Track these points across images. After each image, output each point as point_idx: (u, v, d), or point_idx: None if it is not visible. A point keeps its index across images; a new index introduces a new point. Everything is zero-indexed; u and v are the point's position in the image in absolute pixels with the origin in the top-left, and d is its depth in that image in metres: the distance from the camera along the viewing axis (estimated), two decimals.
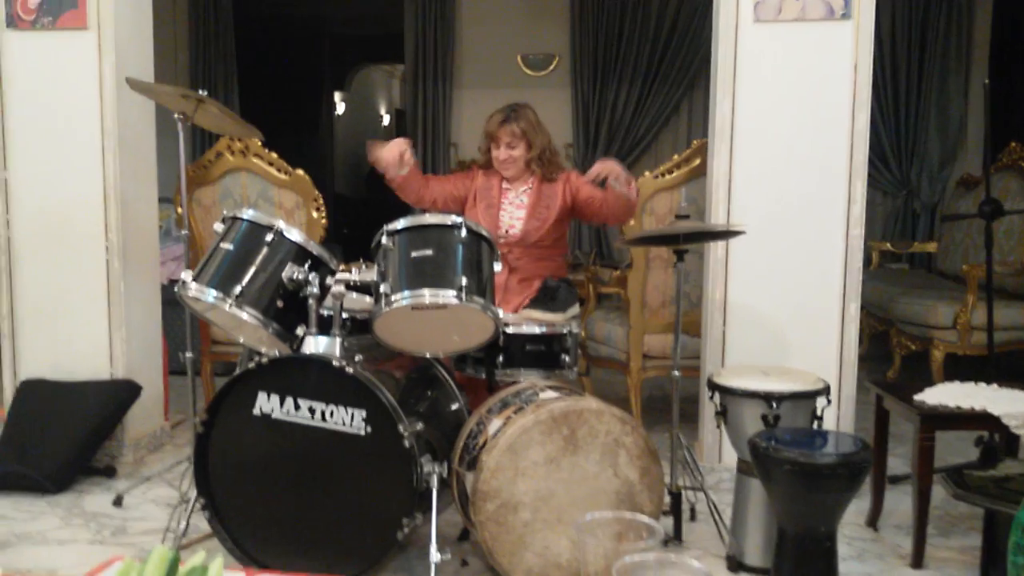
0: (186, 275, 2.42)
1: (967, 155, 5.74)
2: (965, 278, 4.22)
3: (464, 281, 2.28)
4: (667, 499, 2.60)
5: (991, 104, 5.52)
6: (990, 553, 2.30)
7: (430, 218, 2.42)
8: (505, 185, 3.15)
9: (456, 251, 2.36)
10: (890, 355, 4.67)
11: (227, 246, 2.44)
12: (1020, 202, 4.52)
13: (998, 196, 4.76)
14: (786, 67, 3.13)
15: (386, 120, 11.48)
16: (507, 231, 3.05)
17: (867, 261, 5.66)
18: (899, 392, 2.72)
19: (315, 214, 3.89)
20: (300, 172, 3.92)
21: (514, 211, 3.10)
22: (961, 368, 4.07)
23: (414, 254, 2.36)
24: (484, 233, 2.42)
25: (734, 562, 2.52)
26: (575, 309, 2.75)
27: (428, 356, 2.60)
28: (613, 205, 3.00)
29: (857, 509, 2.88)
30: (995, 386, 2.81)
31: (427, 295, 2.27)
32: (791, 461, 2.17)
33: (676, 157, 3.72)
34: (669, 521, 2.68)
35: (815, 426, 2.54)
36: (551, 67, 6.43)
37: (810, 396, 2.53)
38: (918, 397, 2.65)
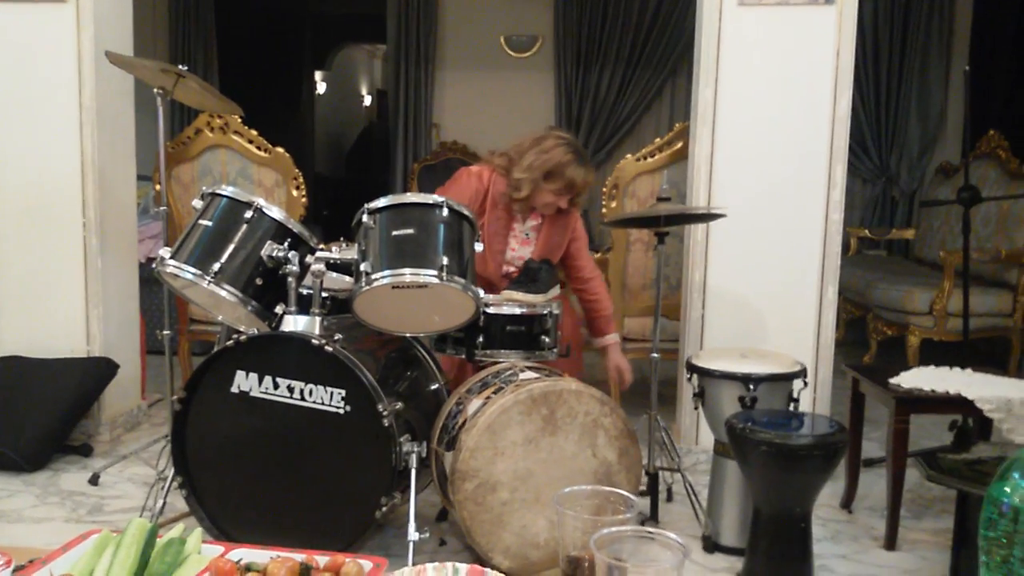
0: (164, 252, 2.40)
1: (946, 143, 5.78)
2: (942, 264, 4.26)
3: (445, 261, 2.27)
4: (644, 480, 2.62)
5: (971, 92, 5.55)
6: (962, 534, 2.33)
7: (411, 197, 2.41)
8: (515, 218, 2.97)
9: (437, 230, 2.35)
10: (867, 340, 4.71)
11: (206, 223, 2.42)
12: (998, 189, 4.56)
13: (976, 183, 4.80)
14: (769, 51, 3.14)
15: (367, 100, 11.42)
16: (507, 271, 2.96)
17: (845, 247, 5.70)
18: (875, 376, 2.75)
19: (295, 192, 3.87)
20: (280, 150, 3.89)
21: (519, 247, 2.97)
22: (937, 353, 4.10)
23: (395, 233, 2.34)
24: (466, 213, 2.41)
25: (710, 542, 2.54)
26: (556, 290, 2.76)
27: (408, 336, 2.60)
28: (586, 301, 3.03)
29: (832, 491, 2.91)
30: (969, 371, 2.84)
31: (407, 274, 2.26)
32: (767, 442, 2.19)
33: (658, 140, 3.72)
34: (646, 502, 2.70)
35: (791, 408, 2.56)
36: (534, 49, 6.41)
37: (787, 378, 2.55)
38: (893, 381, 2.67)
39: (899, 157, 5.87)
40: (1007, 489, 0.83)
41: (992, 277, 4.46)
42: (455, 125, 6.47)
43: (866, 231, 5.65)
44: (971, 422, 2.95)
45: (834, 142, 3.12)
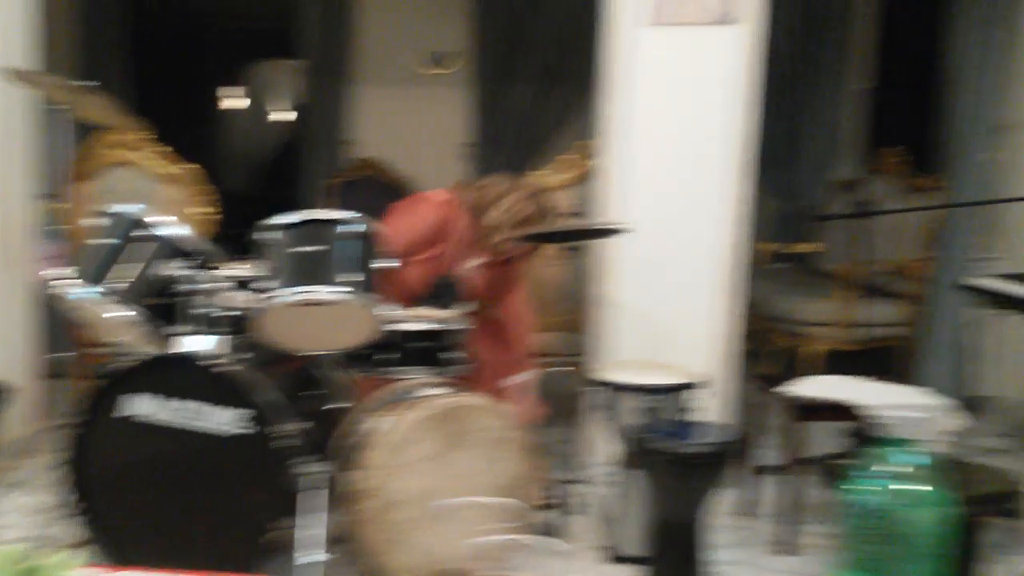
0: (60, 273, 2.35)
1: (847, 158, 5.99)
2: (842, 277, 4.41)
3: (350, 277, 2.27)
4: (551, 493, 2.65)
5: (870, 109, 5.77)
6: None
7: (316, 213, 2.41)
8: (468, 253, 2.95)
9: (343, 247, 2.35)
10: (769, 351, 4.84)
11: (103, 242, 2.38)
12: (896, 204, 4.74)
13: (875, 198, 4.99)
14: (676, 69, 3.22)
15: (286, 116, 11.28)
16: None
17: (754, 261, 5.85)
18: (774, 385, 2.84)
19: (203, 210, 3.82)
20: (188, 167, 3.83)
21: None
22: (837, 363, 4.25)
23: (299, 249, 2.34)
24: (372, 229, 2.42)
25: (613, 553, 2.58)
26: (465, 307, 2.77)
27: (311, 354, 2.58)
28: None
29: (733, 498, 2.98)
30: (866, 379, 2.96)
31: (311, 291, 2.25)
32: (666, 452, 2.25)
33: (569, 156, 3.78)
34: (553, 515, 2.73)
35: (693, 418, 2.62)
36: (452, 65, 6.44)
37: (688, 389, 2.62)
38: (792, 389, 2.76)
39: (802, 172, 6.06)
40: (863, 488, 0.88)
41: (887, 288, 4.64)
42: (373, 141, 6.44)
43: (774, 245, 5.80)
44: (870, 428, 3.06)
45: (741, 158, 3.22)
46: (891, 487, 0.84)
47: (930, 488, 0.84)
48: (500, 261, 2.92)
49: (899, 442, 0.85)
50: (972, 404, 4.29)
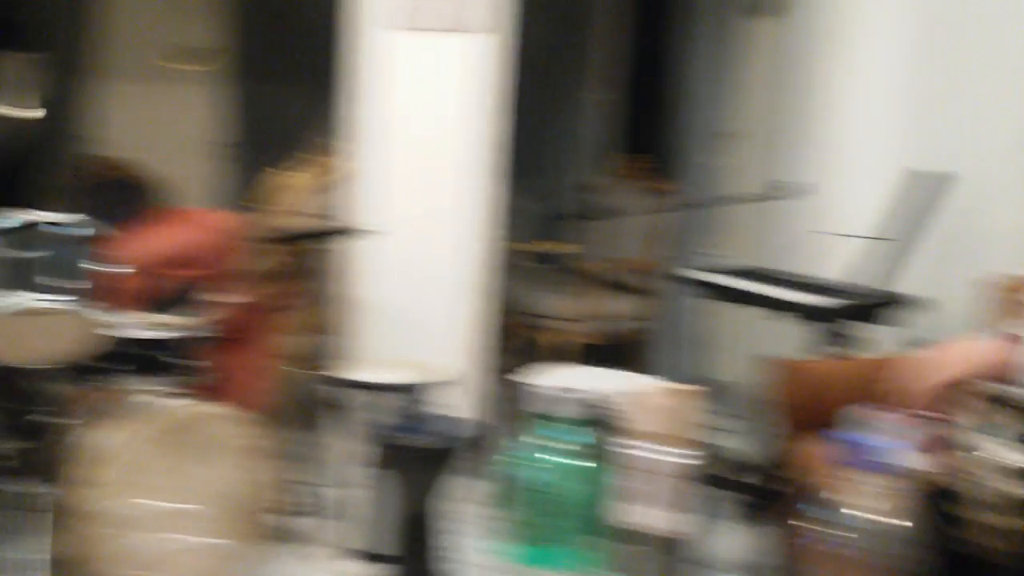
0: None
1: (596, 161, 6.33)
2: (591, 274, 4.67)
3: (69, 284, 2.15)
4: (297, 498, 2.63)
5: (616, 117, 6.11)
6: None
7: (36, 215, 2.25)
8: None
9: (64, 252, 2.21)
10: (521, 346, 5.03)
11: None
12: (636, 204, 5.07)
13: (618, 200, 5.32)
14: (429, 73, 3.28)
15: (26, 114, 10.40)
16: None
17: (506, 262, 6.05)
18: (518, 378, 2.95)
19: None
20: None
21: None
22: (583, 355, 4.48)
23: (13, 255, 2.18)
24: (100, 233, 2.29)
25: (365, 554, 2.60)
26: (197, 314, 2.69)
27: (28, 366, 2.41)
28: None
29: (483, 490, 3.07)
30: (603, 369, 3.15)
31: (25, 299, 2.11)
32: (404, 447, 2.30)
33: (322, 157, 3.76)
34: (299, 520, 2.71)
35: (438, 414, 2.68)
36: (208, 62, 6.19)
37: (435, 386, 2.68)
38: (534, 381, 2.89)
39: (556, 175, 6.35)
40: (516, 461, 0.95)
41: (629, 283, 4.96)
42: (120, 140, 6.08)
43: (529, 246, 6.03)
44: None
45: (494, 162, 3.33)
46: (555, 462, 0.91)
47: (593, 464, 0.92)
48: (250, 301, 2.87)
49: (566, 420, 0.92)
50: (709, 388, 4.66)
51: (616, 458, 0.72)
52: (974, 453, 1.37)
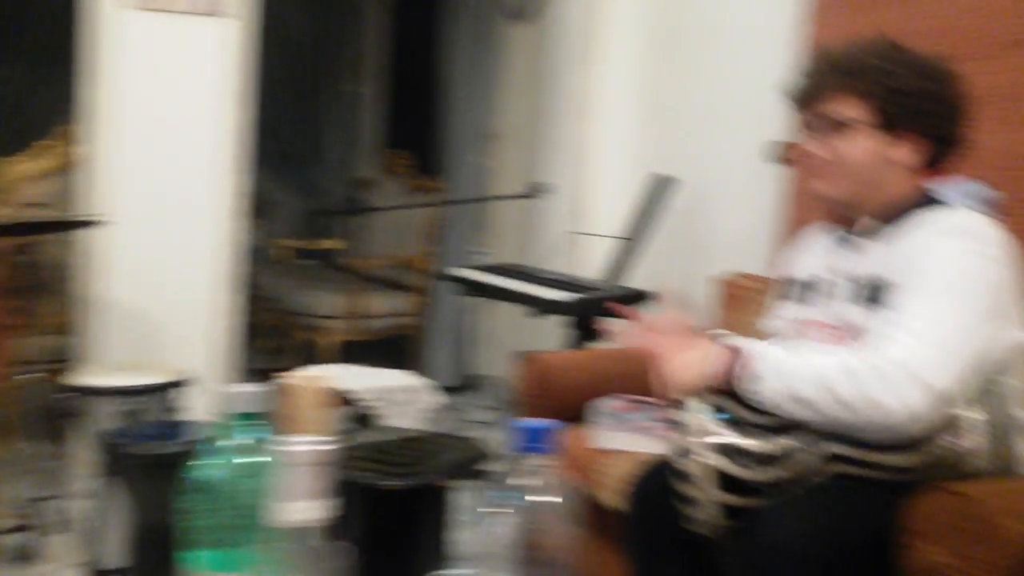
0: None
1: (367, 158, 6.28)
2: (358, 271, 4.61)
3: None
4: (24, 512, 2.42)
5: (384, 114, 6.08)
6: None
7: None
8: None
9: None
10: (290, 346, 4.90)
11: None
12: (403, 201, 5.06)
13: (386, 196, 5.29)
14: (167, 58, 3.09)
15: None
16: None
17: (274, 258, 5.88)
18: (265, 377, 2.86)
19: None
20: None
21: None
22: (352, 353, 4.42)
23: None
24: None
25: (93, 568, 2.42)
26: None
27: None
28: None
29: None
30: (353, 366, 3.11)
31: None
32: (141, 455, 2.15)
33: (52, 142, 3.47)
34: (26, 536, 2.49)
35: (179, 418, 2.55)
36: None
37: (173, 388, 2.54)
38: (281, 381, 2.80)
39: (323, 170, 6.24)
40: (203, 464, 0.90)
41: (398, 281, 4.94)
42: None
43: (295, 242, 5.89)
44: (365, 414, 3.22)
45: (237, 152, 3.18)
46: (233, 461, 0.87)
47: (269, 459, 0.88)
48: None
49: (244, 416, 0.88)
50: (469, 383, 4.74)
51: (276, 454, 0.70)
52: (700, 436, 1.45)
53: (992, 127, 1.98)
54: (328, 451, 0.64)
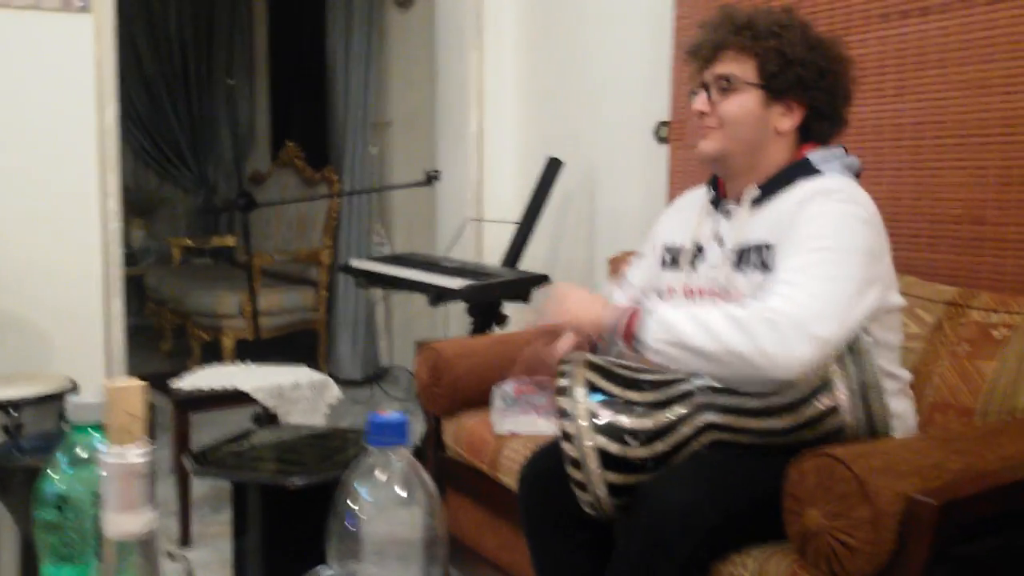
0: None
1: (258, 152, 6.14)
2: (256, 267, 4.50)
3: None
4: None
5: (277, 107, 5.95)
6: (239, 521, 2.46)
7: None
8: None
9: None
10: (190, 348, 4.78)
11: None
12: (297, 195, 4.97)
13: (279, 190, 5.19)
14: (21, 56, 2.95)
15: None
16: None
17: (168, 258, 5.73)
18: (157, 381, 2.78)
19: None
20: None
21: None
22: (253, 352, 4.33)
23: None
24: None
25: None
26: None
27: None
28: None
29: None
30: (255, 365, 3.05)
31: None
32: (28, 468, 2.07)
33: None
34: None
35: (52, 430, 2.46)
36: None
37: (56, 398, 2.45)
38: (175, 383, 2.73)
39: (216, 167, 6.08)
40: (52, 477, 0.86)
41: (298, 276, 4.86)
42: None
43: (188, 241, 5.73)
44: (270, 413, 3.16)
45: (105, 152, 3.06)
46: (75, 473, 0.84)
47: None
48: None
49: (85, 428, 0.84)
50: (376, 375, 4.70)
51: (99, 464, 0.67)
52: (582, 420, 1.46)
53: (861, 97, 2.06)
54: (142, 461, 0.62)
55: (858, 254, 1.47)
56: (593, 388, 1.49)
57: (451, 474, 2.37)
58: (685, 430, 1.45)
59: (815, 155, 1.62)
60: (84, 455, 0.84)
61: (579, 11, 3.27)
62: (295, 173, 5.07)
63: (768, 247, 1.54)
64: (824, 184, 1.56)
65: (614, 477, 1.44)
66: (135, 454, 0.61)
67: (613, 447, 1.44)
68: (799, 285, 1.41)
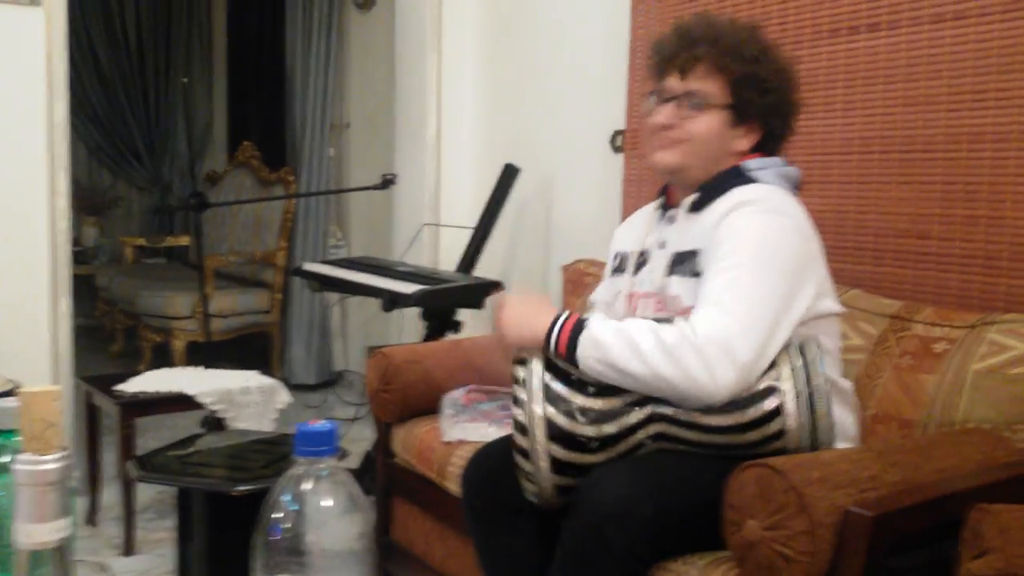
0: None
1: (215, 151, 6.08)
2: (209, 269, 4.44)
3: None
4: None
5: (232, 102, 5.88)
6: (185, 528, 2.43)
7: None
8: None
9: None
10: (141, 350, 4.71)
11: None
12: (253, 195, 4.92)
13: (235, 190, 5.13)
14: None
15: None
16: None
17: (121, 257, 5.64)
18: (103, 384, 2.73)
19: None
20: None
21: None
22: (204, 355, 4.27)
23: None
24: None
25: None
26: None
27: None
28: None
29: (79, 508, 2.82)
30: (201, 368, 3.01)
31: None
32: None
33: None
34: None
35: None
36: None
37: None
38: (120, 387, 2.69)
39: (171, 165, 6.01)
40: None
41: (252, 277, 4.81)
42: None
43: (141, 240, 5.65)
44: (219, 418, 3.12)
45: (54, 150, 3.00)
46: None
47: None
48: None
49: (10, 433, 0.82)
50: (330, 380, 4.67)
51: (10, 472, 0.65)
52: (533, 390, 1.47)
53: (811, 112, 2.09)
54: (56, 469, 0.60)
55: (781, 268, 1.49)
56: (549, 367, 1.51)
57: (399, 482, 2.36)
58: (633, 417, 1.47)
59: (752, 163, 1.65)
60: (4, 461, 0.82)
61: (537, 19, 3.28)
62: (251, 173, 5.02)
63: (696, 253, 1.57)
64: (750, 193, 1.57)
65: (559, 451, 1.45)
66: (49, 462, 0.60)
67: (561, 419, 1.47)
68: (723, 306, 1.44)
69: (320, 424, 0.75)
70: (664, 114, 1.63)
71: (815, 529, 1.26)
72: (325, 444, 0.74)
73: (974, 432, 1.65)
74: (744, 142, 1.65)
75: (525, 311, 1.57)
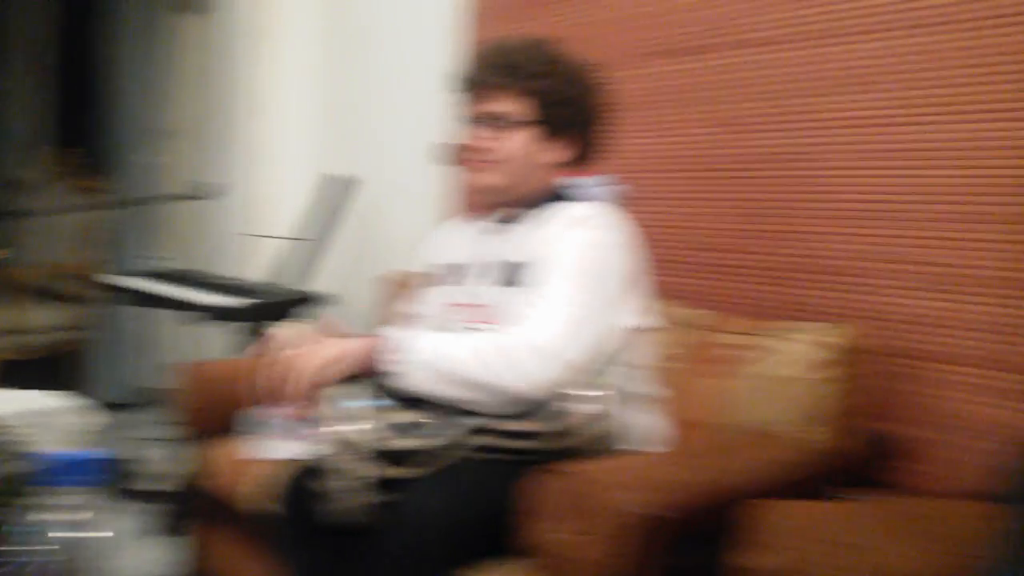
0: None
1: (20, 157, 5.69)
2: (14, 281, 4.15)
3: None
4: None
5: (45, 110, 5.53)
6: None
7: None
8: None
9: None
10: None
11: None
12: (68, 203, 4.62)
13: (49, 198, 4.82)
14: None
15: None
16: None
17: None
18: None
19: None
20: None
21: None
22: (21, 374, 3.96)
23: None
24: None
25: None
26: None
27: None
28: None
29: None
30: (11, 390, 2.79)
31: None
32: None
33: None
34: None
35: None
36: None
37: None
38: None
39: None
40: None
41: (61, 291, 4.52)
42: None
43: None
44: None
45: None
46: None
47: None
48: None
49: None
50: (141, 399, 4.43)
51: None
52: (337, 417, 1.46)
53: (634, 131, 2.16)
54: None
55: (608, 282, 1.57)
56: (360, 384, 1.50)
57: (204, 504, 2.26)
58: (447, 430, 1.47)
59: (580, 180, 1.72)
60: None
61: (369, 31, 3.25)
62: (64, 180, 4.73)
63: (522, 265, 1.62)
64: (577, 212, 1.65)
65: (371, 468, 1.44)
66: None
67: (372, 435, 1.45)
68: (544, 312, 1.50)
69: (77, 451, 0.69)
70: (477, 137, 1.69)
71: (616, 531, 1.28)
72: (81, 472, 0.68)
73: (771, 435, 1.74)
74: (561, 154, 1.71)
75: (311, 352, 1.54)
